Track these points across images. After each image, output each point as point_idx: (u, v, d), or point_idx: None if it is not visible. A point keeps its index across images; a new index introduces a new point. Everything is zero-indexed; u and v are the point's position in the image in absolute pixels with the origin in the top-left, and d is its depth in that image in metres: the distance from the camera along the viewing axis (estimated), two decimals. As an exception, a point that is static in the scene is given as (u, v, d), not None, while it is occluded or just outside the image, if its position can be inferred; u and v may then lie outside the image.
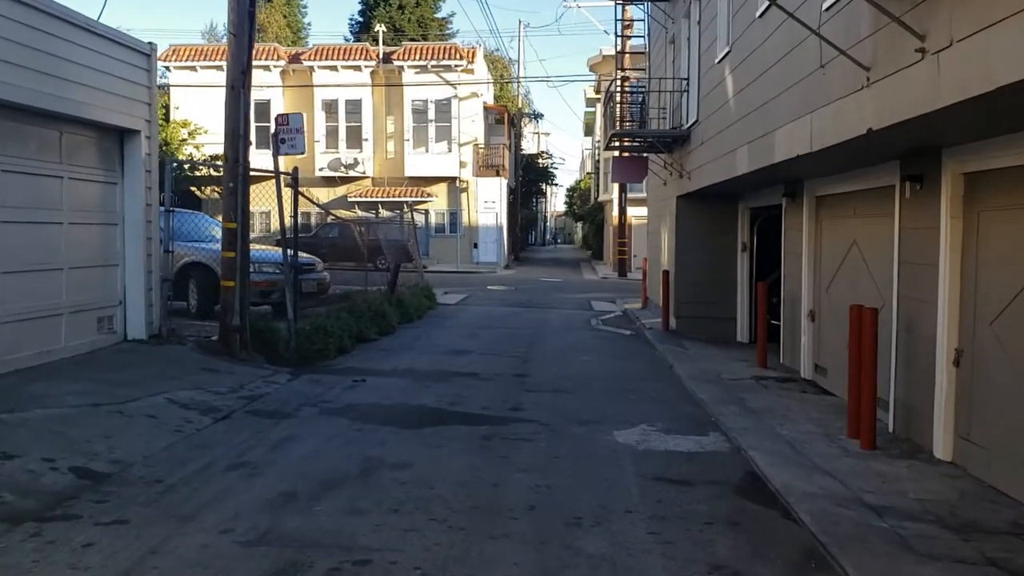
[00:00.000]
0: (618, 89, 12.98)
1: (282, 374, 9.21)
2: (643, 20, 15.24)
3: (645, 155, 15.00)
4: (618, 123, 13.30)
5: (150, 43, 9.67)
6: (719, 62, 10.52)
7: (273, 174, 10.24)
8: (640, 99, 14.39)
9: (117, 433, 6.24)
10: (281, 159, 10.56)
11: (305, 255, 12.79)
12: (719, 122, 10.53)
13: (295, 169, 10.27)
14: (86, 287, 8.88)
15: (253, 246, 12.18)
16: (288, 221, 10.07)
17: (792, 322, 10.52)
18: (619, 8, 17.54)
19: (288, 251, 10.22)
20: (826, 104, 6.38)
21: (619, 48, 14.67)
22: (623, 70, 14.57)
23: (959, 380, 6.10)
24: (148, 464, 5.69)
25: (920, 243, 6.53)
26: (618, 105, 13.52)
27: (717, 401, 8.40)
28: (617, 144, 14.43)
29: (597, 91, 36.87)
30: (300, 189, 10.38)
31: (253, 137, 40.49)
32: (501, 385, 9.16)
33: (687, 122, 12.90)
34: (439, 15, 45.65)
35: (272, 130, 10.05)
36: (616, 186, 32.49)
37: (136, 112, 9.41)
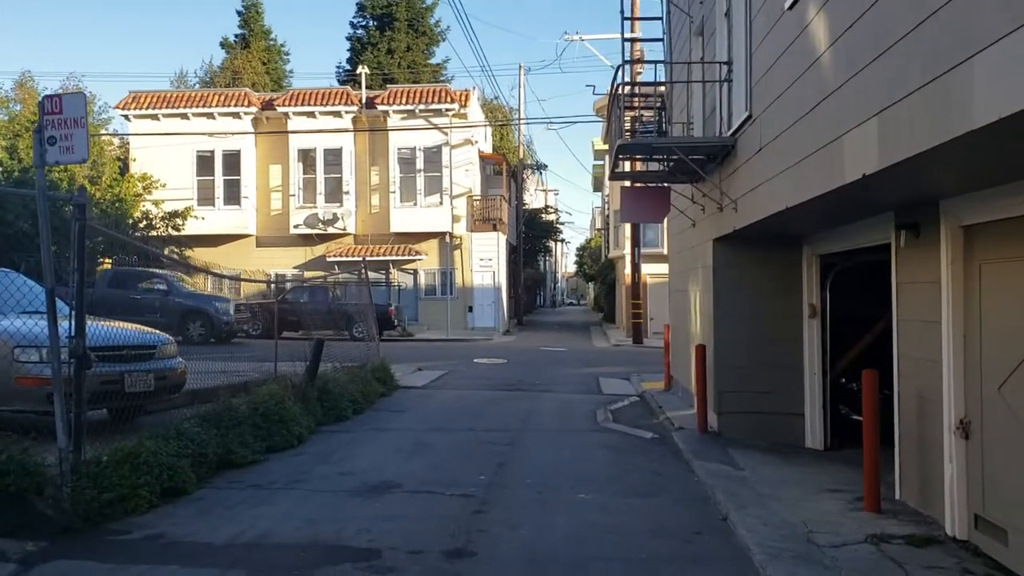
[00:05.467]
0: (624, 83, 8.74)
1: (4, 564, 4.88)
2: (659, 5, 11.19)
3: (665, 184, 10.76)
4: (627, 133, 9.04)
5: None
6: (791, 6, 6.37)
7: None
8: (659, 103, 10.23)
9: None
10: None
11: (138, 328, 8.23)
12: (798, 103, 6.33)
13: (81, 189, 6.07)
14: None
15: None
16: (56, 272, 5.81)
17: (919, 437, 6.34)
18: None
19: (65, 321, 5.90)
20: None
21: (627, 15, 10.50)
22: (632, 64, 10.36)
23: None
24: None
25: None
26: (624, 110, 9.27)
27: (841, 634, 4.06)
28: (628, 169, 10.23)
29: (605, 140, 33.13)
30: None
31: (220, 191, 36.31)
32: (409, 588, 4.76)
33: (730, 128, 8.72)
34: (433, 61, 42.10)
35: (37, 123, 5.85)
36: (628, 240, 28.30)
37: None
